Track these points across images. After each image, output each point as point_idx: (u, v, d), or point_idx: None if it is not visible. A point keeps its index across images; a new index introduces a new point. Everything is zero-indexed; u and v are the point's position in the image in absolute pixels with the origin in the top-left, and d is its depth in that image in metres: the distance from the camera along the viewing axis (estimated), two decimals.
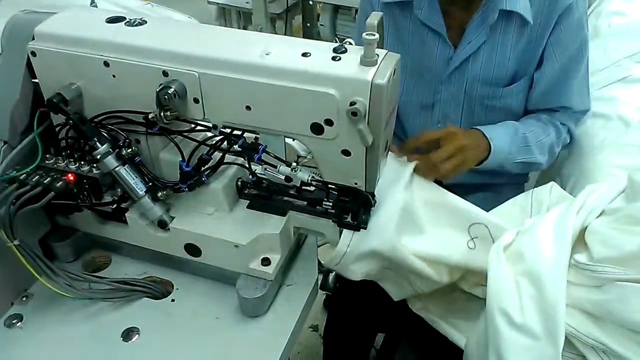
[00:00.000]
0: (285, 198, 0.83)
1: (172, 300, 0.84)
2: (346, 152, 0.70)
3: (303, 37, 2.38)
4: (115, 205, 0.83)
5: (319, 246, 0.94)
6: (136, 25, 0.74)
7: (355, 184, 0.74)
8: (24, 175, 0.75)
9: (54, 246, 0.88)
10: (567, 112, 1.09)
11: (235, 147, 0.76)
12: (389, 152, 0.81)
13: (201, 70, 0.68)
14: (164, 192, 0.80)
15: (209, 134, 0.76)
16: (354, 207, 0.77)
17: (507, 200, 1.00)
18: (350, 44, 0.68)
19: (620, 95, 1.17)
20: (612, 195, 0.82)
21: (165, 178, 0.81)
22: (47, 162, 0.78)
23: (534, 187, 0.99)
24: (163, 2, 1.99)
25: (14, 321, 0.80)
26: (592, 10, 1.49)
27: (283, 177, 0.76)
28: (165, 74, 0.69)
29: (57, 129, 0.80)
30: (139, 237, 0.86)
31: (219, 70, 0.68)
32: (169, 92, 0.68)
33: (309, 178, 0.75)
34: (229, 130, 0.75)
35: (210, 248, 0.82)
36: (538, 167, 1.11)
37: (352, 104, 0.63)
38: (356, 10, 2.17)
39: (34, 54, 0.74)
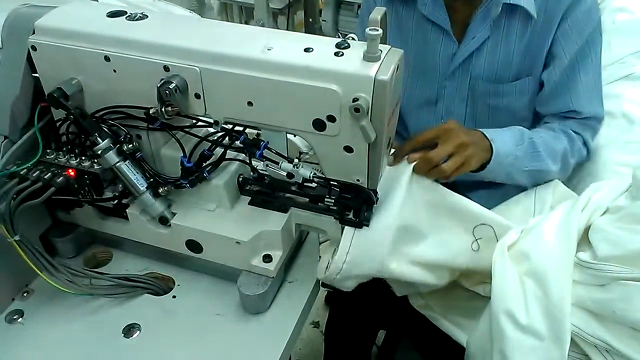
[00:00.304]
0: (287, 195, 0.82)
1: (174, 297, 0.84)
2: (348, 149, 0.69)
3: (305, 33, 2.37)
4: (116, 201, 0.82)
5: (320, 243, 0.93)
6: (137, 19, 0.73)
7: (358, 180, 0.73)
8: (25, 170, 0.75)
9: (55, 242, 0.88)
10: (579, 121, 1.03)
11: (237, 143, 0.75)
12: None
13: (202, 65, 0.68)
14: (165, 188, 0.80)
15: (211, 130, 0.75)
16: (356, 204, 0.76)
17: (511, 197, 0.99)
18: (353, 39, 0.67)
19: (625, 92, 1.16)
20: (617, 193, 0.81)
21: (166, 174, 0.81)
22: (47, 157, 0.78)
23: (537, 185, 0.98)
24: None
25: (14, 317, 0.80)
26: None
27: (285, 174, 0.76)
28: (166, 68, 0.69)
29: (57, 124, 0.79)
30: (140, 233, 0.86)
31: (220, 65, 0.67)
32: (170, 87, 0.67)
33: (311, 174, 0.74)
34: (230, 126, 0.74)
35: (211, 244, 0.81)
36: (551, 176, 1.01)
37: (355, 100, 0.62)
38: (359, 6, 2.16)
39: (34, 48, 0.73)
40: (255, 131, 0.78)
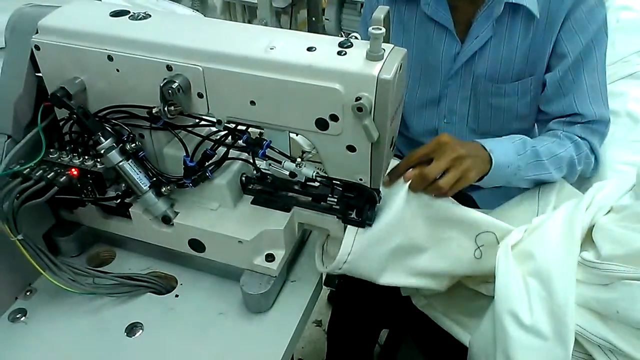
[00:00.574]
0: (290, 194, 0.82)
1: (176, 296, 0.84)
2: (351, 148, 0.69)
3: (308, 32, 2.37)
4: (119, 200, 0.82)
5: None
6: (140, 19, 0.73)
7: (360, 180, 0.73)
8: (28, 169, 0.75)
9: (58, 241, 0.88)
10: (585, 125, 1.00)
11: (240, 142, 0.75)
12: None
13: (205, 64, 0.68)
14: (168, 187, 0.80)
15: (213, 129, 0.75)
16: (359, 203, 0.76)
17: (514, 196, 0.99)
18: (356, 38, 0.67)
19: (629, 91, 1.16)
20: (621, 193, 0.81)
21: (169, 173, 0.81)
22: (50, 156, 0.78)
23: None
24: None
25: (17, 316, 0.80)
26: None
27: (287, 173, 0.76)
28: (169, 68, 0.69)
29: (60, 123, 0.79)
30: (143, 232, 0.86)
31: (223, 64, 0.67)
32: (172, 86, 0.67)
33: (314, 174, 0.74)
34: (233, 126, 0.74)
35: (214, 244, 0.82)
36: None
37: (358, 99, 0.62)
38: (362, 5, 2.16)
39: (37, 47, 0.73)
40: (258, 130, 0.78)
